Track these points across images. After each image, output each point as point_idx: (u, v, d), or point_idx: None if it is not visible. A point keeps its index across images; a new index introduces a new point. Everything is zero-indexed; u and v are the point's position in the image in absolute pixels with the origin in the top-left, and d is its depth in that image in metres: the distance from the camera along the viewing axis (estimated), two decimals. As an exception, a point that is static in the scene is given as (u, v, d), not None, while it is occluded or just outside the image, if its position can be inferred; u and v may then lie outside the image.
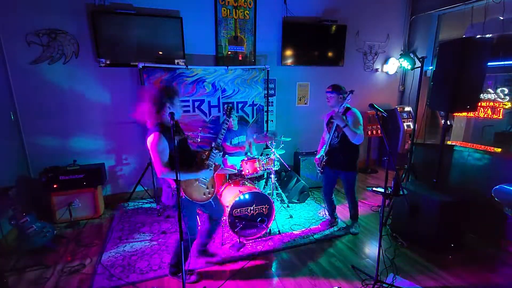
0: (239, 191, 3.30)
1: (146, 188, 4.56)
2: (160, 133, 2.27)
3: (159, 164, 2.28)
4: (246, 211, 3.34)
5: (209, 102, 4.51)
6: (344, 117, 3.11)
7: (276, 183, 4.22)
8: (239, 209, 3.30)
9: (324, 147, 3.39)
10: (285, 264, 3.04)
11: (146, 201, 4.51)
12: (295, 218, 3.98)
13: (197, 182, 2.57)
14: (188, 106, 4.43)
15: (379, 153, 6.34)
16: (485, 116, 4.80)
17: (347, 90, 3.19)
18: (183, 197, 2.46)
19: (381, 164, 6.25)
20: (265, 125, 4.94)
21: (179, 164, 2.16)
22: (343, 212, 4.15)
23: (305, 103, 5.45)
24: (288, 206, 4.28)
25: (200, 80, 4.40)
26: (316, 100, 5.50)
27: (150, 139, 2.27)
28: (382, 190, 2.60)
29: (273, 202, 3.47)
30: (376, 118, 2.57)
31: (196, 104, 4.47)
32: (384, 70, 5.92)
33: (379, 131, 5.75)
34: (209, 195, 2.64)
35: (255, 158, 3.71)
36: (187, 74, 4.31)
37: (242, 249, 3.24)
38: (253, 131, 4.40)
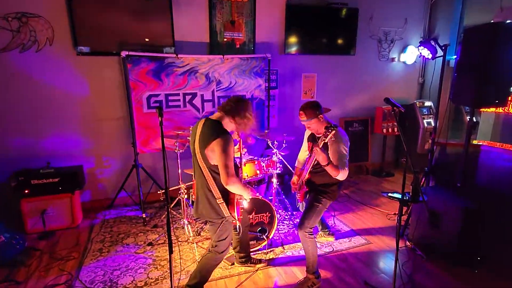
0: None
1: (130, 194, 4.56)
2: (230, 137, 2.39)
3: (228, 171, 2.33)
4: (245, 219, 3.34)
5: (202, 95, 4.51)
6: (327, 141, 2.61)
7: (279, 188, 4.23)
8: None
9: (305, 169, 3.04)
10: (289, 280, 3.05)
11: (130, 208, 4.51)
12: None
13: (241, 200, 2.65)
14: (178, 100, 4.43)
15: (395, 154, 6.35)
16: (517, 112, 4.80)
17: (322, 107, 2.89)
18: (230, 215, 2.55)
19: (397, 166, 6.25)
20: (266, 121, 4.96)
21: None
22: (353, 221, 4.17)
23: (311, 97, 5.45)
24: (292, 215, 4.29)
25: (192, 71, 4.40)
26: (324, 93, 5.51)
27: (220, 141, 2.34)
28: (399, 196, 2.60)
29: (276, 210, 3.48)
30: (393, 114, 2.57)
31: (188, 98, 4.47)
32: (402, 59, 5.93)
33: (395, 129, 5.76)
34: (242, 209, 2.75)
35: (254, 159, 3.72)
36: (177, 64, 4.31)
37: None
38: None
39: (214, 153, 2.36)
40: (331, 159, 2.71)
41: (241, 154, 2.86)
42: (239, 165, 2.79)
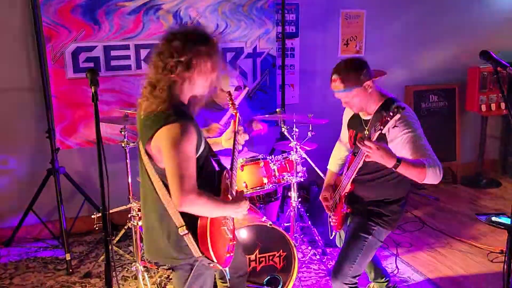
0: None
1: (44, 220, 4.57)
2: (189, 123, 2.24)
3: (183, 183, 2.20)
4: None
5: (167, 49, 4.54)
6: (384, 131, 2.53)
7: (301, 208, 4.24)
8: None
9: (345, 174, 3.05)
10: None
11: (44, 244, 4.54)
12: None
13: (224, 227, 2.57)
14: (128, 57, 4.47)
15: (502, 148, 6.38)
16: None
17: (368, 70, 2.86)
18: (203, 256, 2.39)
19: (506, 169, 6.28)
20: (278, 94, 4.99)
21: (204, 187, 2.25)
22: (430, 263, 4.20)
23: (357, 51, 5.48)
24: (325, 254, 4.33)
25: (151, 7, 4.42)
26: (379, 45, 5.55)
27: (167, 132, 2.21)
28: (507, 221, 2.62)
29: (296, 246, 3.50)
30: (496, 79, 2.57)
31: (144, 53, 4.51)
32: (512, -16, 5.94)
33: (502, 105, 5.76)
34: (231, 244, 2.65)
35: (259, 159, 3.76)
36: (123, -6, 4.34)
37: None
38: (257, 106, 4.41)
39: (160, 152, 2.29)
40: (400, 155, 2.53)
41: (235, 141, 2.73)
42: (226, 166, 2.73)
